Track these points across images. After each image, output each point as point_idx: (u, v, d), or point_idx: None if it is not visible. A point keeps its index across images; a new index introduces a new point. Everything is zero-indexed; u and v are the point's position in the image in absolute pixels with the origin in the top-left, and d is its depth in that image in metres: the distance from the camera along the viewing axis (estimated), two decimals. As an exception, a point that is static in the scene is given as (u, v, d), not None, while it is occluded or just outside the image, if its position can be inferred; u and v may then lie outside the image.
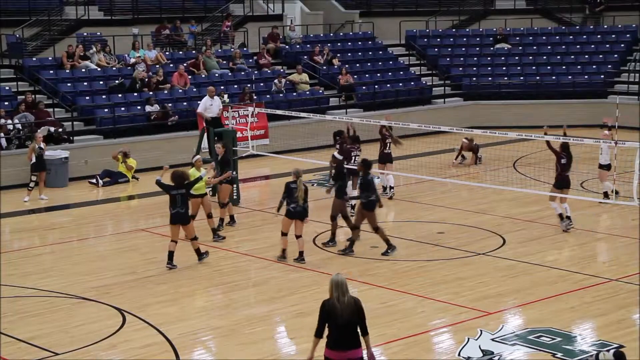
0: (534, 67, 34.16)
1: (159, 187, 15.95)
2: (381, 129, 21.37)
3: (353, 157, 19.60)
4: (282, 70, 31.19)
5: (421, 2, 39.43)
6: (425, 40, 36.01)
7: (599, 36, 35.69)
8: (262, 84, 30.06)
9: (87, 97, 26.73)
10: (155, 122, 26.47)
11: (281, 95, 29.46)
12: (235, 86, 28.97)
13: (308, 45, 33.13)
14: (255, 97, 27.75)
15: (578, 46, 35.09)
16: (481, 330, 12.50)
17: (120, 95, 27.03)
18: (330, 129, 26.67)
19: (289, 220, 15.89)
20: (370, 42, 35.26)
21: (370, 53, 34.36)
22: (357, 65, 33.20)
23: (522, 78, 33.53)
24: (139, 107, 26.83)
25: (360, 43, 35.02)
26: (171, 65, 29.51)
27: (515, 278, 15.08)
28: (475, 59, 35.01)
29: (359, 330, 9.42)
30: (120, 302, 14.06)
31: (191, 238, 15.99)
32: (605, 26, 36.97)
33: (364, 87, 31.76)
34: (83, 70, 27.73)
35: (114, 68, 28.48)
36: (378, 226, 16.44)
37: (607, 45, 34.92)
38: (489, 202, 20.63)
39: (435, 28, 37.33)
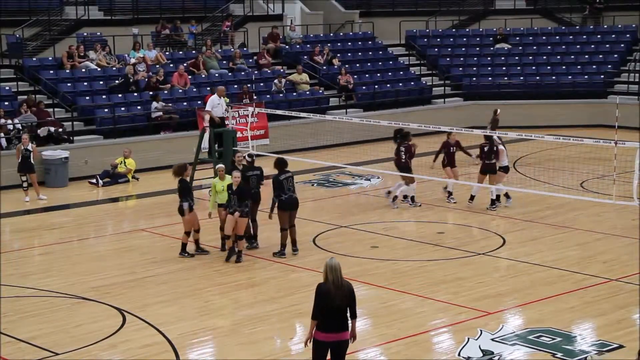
0: (534, 67, 34.17)
1: None
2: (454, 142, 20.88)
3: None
4: (282, 70, 31.19)
5: (421, 2, 39.43)
6: (425, 40, 36.02)
7: (599, 36, 35.71)
8: (262, 84, 30.06)
9: (87, 97, 26.73)
10: (160, 122, 26.46)
11: (281, 95, 29.47)
12: (235, 86, 28.98)
13: (308, 45, 33.13)
14: (255, 97, 27.76)
15: (578, 46, 35.10)
16: (481, 330, 12.50)
17: (120, 95, 27.04)
18: (331, 129, 26.87)
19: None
20: (370, 42, 35.27)
21: (370, 53, 34.37)
22: (357, 65, 33.20)
23: (522, 78, 33.54)
24: (139, 107, 26.84)
25: (360, 43, 35.03)
26: (171, 65, 29.52)
27: (515, 278, 15.08)
28: (475, 59, 35.02)
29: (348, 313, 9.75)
30: (120, 302, 14.06)
31: (194, 229, 16.51)
32: (605, 26, 37.00)
33: (364, 87, 31.77)
34: (83, 70, 27.74)
35: (114, 68, 28.49)
36: (295, 225, 16.42)
37: (607, 45, 34.93)
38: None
39: (435, 28, 37.34)
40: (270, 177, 17.07)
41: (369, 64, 33.62)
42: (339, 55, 33.01)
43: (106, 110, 26.34)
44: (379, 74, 32.93)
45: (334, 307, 9.56)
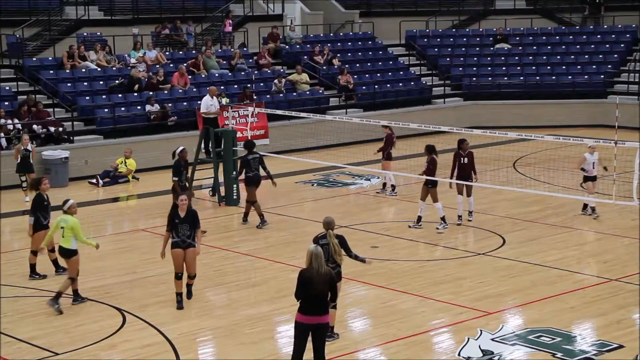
0: (534, 67, 34.18)
1: None
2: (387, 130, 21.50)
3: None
4: (282, 70, 31.19)
5: (421, 2, 39.45)
6: (425, 40, 36.03)
7: (599, 36, 35.71)
8: (262, 84, 30.06)
9: (87, 97, 26.73)
10: (155, 123, 26.47)
11: (281, 95, 29.46)
12: (235, 86, 28.97)
13: (308, 45, 33.14)
14: (255, 97, 27.76)
15: (578, 46, 35.11)
16: (481, 330, 12.50)
17: (120, 95, 27.04)
18: (331, 129, 26.84)
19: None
20: (370, 42, 35.28)
21: (370, 53, 34.37)
22: (357, 65, 33.21)
23: (522, 78, 33.55)
24: (139, 107, 26.84)
25: (360, 43, 35.03)
26: (171, 65, 29.52)
27: (515, 278, 15.08)
28: (475, 59, 35.02)
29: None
30: (120, 302, 14.07)
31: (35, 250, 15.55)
32: (605, 26, 37.02)
33: (364, 87, 31.77)
34: (83, 70, 27.73)
35: (114, 68, 28.49)
36: (255, 200, 18.43)
37: (607, 45, 34.94)
38: (489, 202, 20.62)
39: (435, 28, 37.36)
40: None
41: (369, 64, 33.62)
42: (339, 55, 33.01)
43: (106, 110, 26.34)
44: (379, 74, 32.93)
45: (315, 293, 10.05)
